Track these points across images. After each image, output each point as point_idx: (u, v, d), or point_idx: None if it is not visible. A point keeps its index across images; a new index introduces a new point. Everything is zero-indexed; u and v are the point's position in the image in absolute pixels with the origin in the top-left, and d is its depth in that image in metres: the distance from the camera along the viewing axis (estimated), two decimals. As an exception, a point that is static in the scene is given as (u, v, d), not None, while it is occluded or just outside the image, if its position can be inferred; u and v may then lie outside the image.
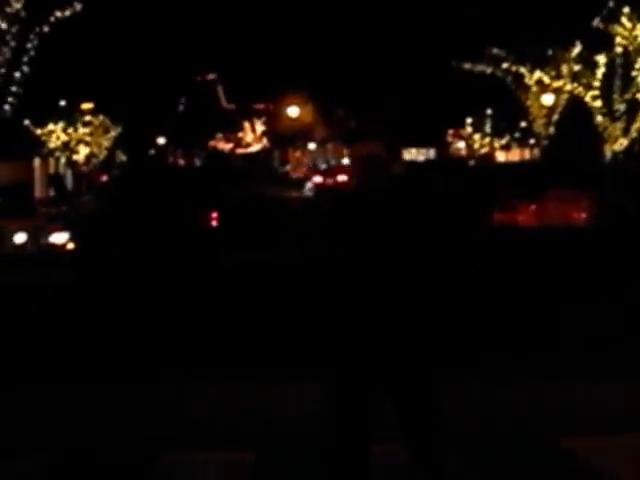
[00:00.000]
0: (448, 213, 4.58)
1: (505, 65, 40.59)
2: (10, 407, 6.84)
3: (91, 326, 10.19)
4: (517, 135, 59.60)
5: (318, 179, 33.45)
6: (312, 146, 48.95)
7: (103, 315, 10.88)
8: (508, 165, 43.22)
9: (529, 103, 42.73)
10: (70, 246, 17.32)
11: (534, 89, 41.20)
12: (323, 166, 39.66)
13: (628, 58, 34.98)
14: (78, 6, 25.11)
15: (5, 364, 8.34)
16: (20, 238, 18.20)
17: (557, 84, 39.59)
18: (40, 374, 8.05)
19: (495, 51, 40.05)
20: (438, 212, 4.22)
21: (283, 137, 44.73)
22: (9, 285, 14.37)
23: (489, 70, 40.99)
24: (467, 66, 40.69)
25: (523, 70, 40.71)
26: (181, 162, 38.20)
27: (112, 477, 5.34)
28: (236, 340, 9.22)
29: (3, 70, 24.24)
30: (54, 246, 17.44)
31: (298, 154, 45.45)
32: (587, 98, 37.49)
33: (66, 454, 5.68)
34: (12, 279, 15.07)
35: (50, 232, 17.84)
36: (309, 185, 32.99)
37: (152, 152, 42.94)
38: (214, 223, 18.99)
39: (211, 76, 45.24)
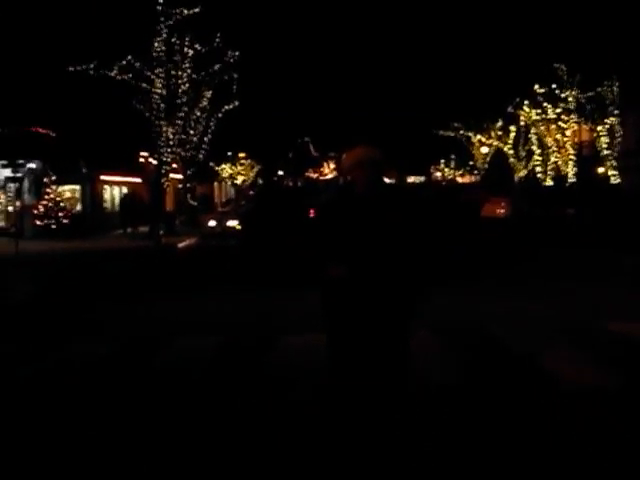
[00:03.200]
0: (432, 212, 6.31)
1: (461, 132, 58.11)
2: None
3: (244, 261, 16.91)
4: (468, 168, 76.76)
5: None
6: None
7: (249, 257, 17.30)
8: (464, 184, 61.98)
9: (474, 152, 60.13)
10: (238, 227, 21.98)
11: (477, 144, 58.59)
12: None
13: (527, 128, 48.02)
14: (237, 102, 33.79)
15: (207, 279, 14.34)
16: (212, 223, 26.77)
17: (489, 142, 56.88)
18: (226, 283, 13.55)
19: (456, 124, 57.60)
20: (425, 209, 4.55)
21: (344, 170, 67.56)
22: (211, 246, 22.38)
23: (452, 134, 58.81)
24: (441, 132, 58.86)
25: (470, 134, 57.93)
26: (290, 184, 60.03)
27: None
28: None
29: (197, 138, 32.80)
30: (230, 227, 23.28)
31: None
32: (505, 149, 54.45)
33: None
34: (210, 243, 23.39)
35: (227, 220, 24.58)
36: None
37: (275, 179, 63.15)
38: (312, 214, 20.44)
39: (306, 139, 67.65)
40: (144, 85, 29.70)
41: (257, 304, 11.02)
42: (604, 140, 38.92)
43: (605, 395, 5.53)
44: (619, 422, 4.95)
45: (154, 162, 32.37)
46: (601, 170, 39.92)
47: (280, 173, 63.26)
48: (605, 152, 39.13)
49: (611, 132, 38.55)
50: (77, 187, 32.55)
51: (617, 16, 33.08)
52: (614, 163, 38.74)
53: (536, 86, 41.18)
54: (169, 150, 30.95)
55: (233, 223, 23.08)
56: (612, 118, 38.38)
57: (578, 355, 6.90)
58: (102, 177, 34.40)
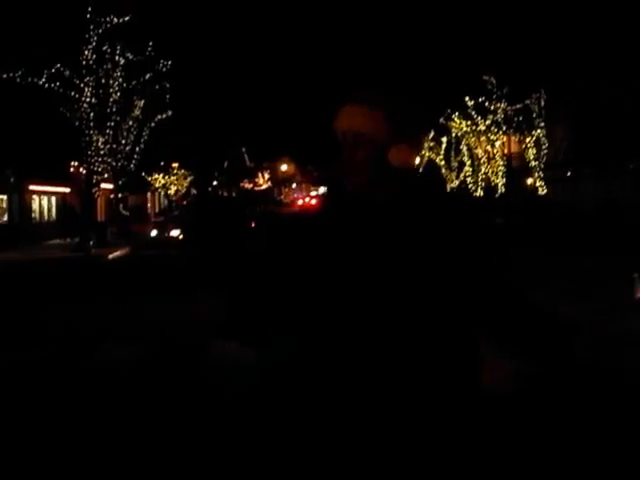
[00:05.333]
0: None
1: None
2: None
3: (184, 268, 16.94)
4: None
5: (300, 202, 57.78)
6: (294, 186, 72.42)
7: (190, 265, 17.50)
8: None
9: None
10: (180, 237, 22.98)
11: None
12: (299, 196, 63.95)
13: (457, 139, 48.78)
14: (170, 112, 33.65)
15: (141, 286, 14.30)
16: (154, 232, 25.85)
17: (421, 152, 61.16)
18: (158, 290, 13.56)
19: None
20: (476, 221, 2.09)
21: (278, 181, 68.62)
22: (152, 256, 21.96)
23: None
24: None
25: None
26: (225, 194, 59.90)
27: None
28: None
29: (129, 148, 32.45)
30: (173, 237, 23.82)
31: (286, 190, 68.53)
32: (437, 160, 55.42)
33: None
34: (146, 253, 23.13)
35: (170, 229, 24.58)
36: (296, 204, 56.74)
37: (209, 189, 62.14)
38: (253, 225, 24.37)
39: (242, 150, 67.59)
40: (73, 94, 29.33)
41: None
42: (532, 152, 39.84)
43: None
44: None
45: (84, 172, 32.04)
46: (529, 181, 40.87)
47: (214, 183, 63.47)
48: (533, 163, 40.03)
49: (538, 144, 39.50)
50: (4, 197, 31.83)
51: (544, 31, 33.95)
52: (541, 174, 39.57)
53: (466, 98, 41.89)
54: (100, 159, 30.72)
55: (176, 233, 23.17)
56: (539, 130, 39.34)
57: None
58: (31, 187, 33.85)
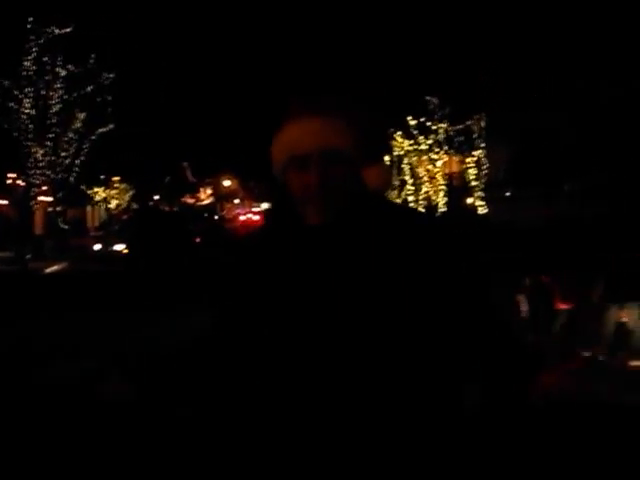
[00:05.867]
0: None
1: None
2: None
3: (130, 285, 16.29)
4: None
5: (242, 218, 57.61)
6: (236, 201, 72.24)
7: (135, 281, 17.07)
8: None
9: None
10: (125, 251, 23.44)
11: None
12: (242, 212, 63.89)
13: (400, 158, 44.69)
14: (111, 125, 33.16)
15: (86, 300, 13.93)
16: (97, 247, 27.25)
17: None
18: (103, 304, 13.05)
19: None
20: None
21: (221, 196, 68.30)
22: (95, 270, 21.32)
23: None
24: None
25: None
26: (167, 209, 59.28)
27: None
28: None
29: (69, 160, 31.52)
30: (117, 252, 24.34)
31: (229, 205, 68.58)
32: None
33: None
34: (95, 267, 22.33)
35: (113, 244, 25.49)
36: (239, 220, 56.59)
37: (151, 203, 61.38)
38: (198, 240, 25.95)
39: (184, 164, 67.53)
40: (12, 105, 28.86)
41: (143, 326, 10.74)
42: (472, 172, 40.44)
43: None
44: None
45: (23, 184, 31.51)
46: (470, 200, 41.46)
47: (156, 197, 62.89)
48: (473, 183, 40.60)
49: (478, 164, 40.15)
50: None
51: (485, 53, 34.62)
52: (482, 194, 40.10)
53: (409, 118, 42.26)
54: (38, 172, 30.06)
55: (120, 247, 23.27)
56: (479, 150, 40.00)
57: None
58: (-35, 198, 33.00)
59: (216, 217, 53.32)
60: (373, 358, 1.59)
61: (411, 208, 1.82)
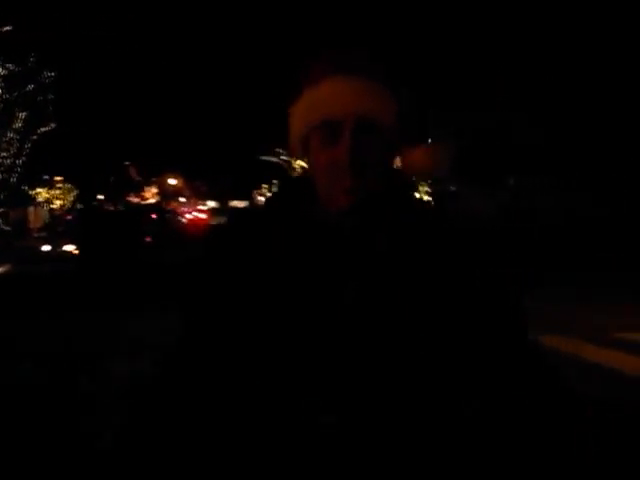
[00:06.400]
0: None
1: (283, 157, 60.58)
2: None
3: (81, 285, 15.63)
4: None
5: (189, 216, 57.04)
6: (182, 199, 72.07)
7: (86, 281, 16.43)
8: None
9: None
10: (75, 252, 22.26)
11: (298, 169, 56.50)
12: (188, 210, 63.78)
13: None
14: (53, 125, 35.61)
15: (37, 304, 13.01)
16: (46, 247, 24.39)
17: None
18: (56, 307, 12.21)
19: (278, 150, 60.02)
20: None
21: (167, 195, 67.67)
22: (43, 271, 20.00)
23: (275, 159, 61.85)
24: (264, 157, 62.02)
25: (291, 160, 57.98)
26: (111, 208, 58.44)
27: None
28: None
29: (10, 161, 34.13)
30: (67, 252, 22.95)
31: (175, 204, 68.36)
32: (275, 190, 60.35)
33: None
34: (43, 268, 20.79)
35: (63, 244, 23.54)
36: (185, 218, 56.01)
37: (95, 203, 60.75)
38: (148, 240, 24.75)
39: (128, 163, 66.73)
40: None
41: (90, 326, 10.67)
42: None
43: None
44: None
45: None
46: (417, 195, 41.85)
47: (100, 197, 62.05)
48: (418, 178, 40.97)
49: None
50: None
51: (436, 50, 35.08)
52: (428, 189, 40.57)
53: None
54: (-21, 173, 29.84)
55: (69, 248, 22.72)
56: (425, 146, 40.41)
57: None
58: None
59: (167, 215, 52.02)
60: (393, 378, 1.27)
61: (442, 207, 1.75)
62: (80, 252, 21.80)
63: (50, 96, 31.92)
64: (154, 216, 37.27)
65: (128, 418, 1.39)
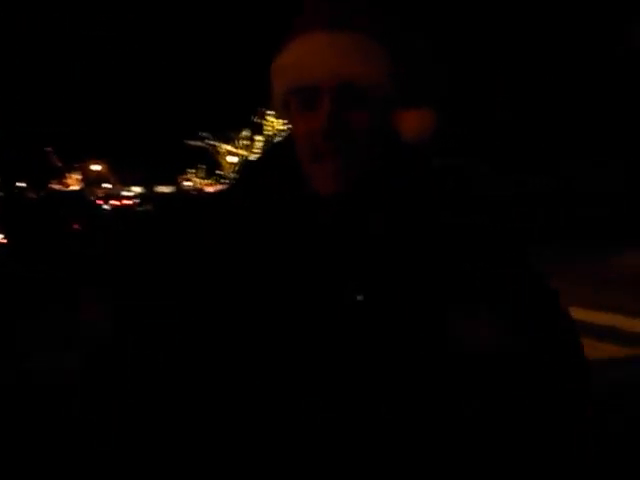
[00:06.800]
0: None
1: (209, 141, 60.03)
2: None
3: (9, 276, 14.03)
4: (216, 178, 77.43)
5: (113, 202, 56.17)
6: (107, 185, 70.65)
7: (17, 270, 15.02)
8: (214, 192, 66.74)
9: (222, 161, 62.41)
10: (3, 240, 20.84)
11: (224, 154, 60.60)
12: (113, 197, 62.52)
13: (271, 137, 47.27)
14: None
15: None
16: None
17: (236, 151, 58.66)
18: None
19: (204, 134, 59.68)
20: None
21: (90, 181, 66.20)
22: None
23: (201, 144, 60.60)
24: (190, 142, 59.72)
25: (218, 144, 60.17)
26: (34, 196, 57.21)
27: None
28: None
29: None
30: None
31: (99, 190, 67.02)
32: (251, 157, 58.85)
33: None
34: None
35: None
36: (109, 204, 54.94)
37: (16, 191, 59.87)
38: (76, 227, 23.66)
39: (48, 149, 64.94)
40: None
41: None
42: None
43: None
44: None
45: None
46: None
47: (22, 185, 60.43)
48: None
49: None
50: None
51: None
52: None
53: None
54: None
55: None
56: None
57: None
58: None
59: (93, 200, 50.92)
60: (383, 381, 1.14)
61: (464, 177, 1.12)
62: (7, 241, 21.43)
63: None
64: (79, 203, 36.63)
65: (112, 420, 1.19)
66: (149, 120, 77.03)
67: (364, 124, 1.13)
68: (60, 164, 65.69)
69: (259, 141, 54.50)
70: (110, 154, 70.06)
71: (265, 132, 50.21)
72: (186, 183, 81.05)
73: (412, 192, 1.18)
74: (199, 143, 60.23)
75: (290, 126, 1.19)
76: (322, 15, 1.14)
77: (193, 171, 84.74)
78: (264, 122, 48.68)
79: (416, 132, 1.20)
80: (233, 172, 58.91)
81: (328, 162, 1.12)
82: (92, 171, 67.51)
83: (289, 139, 1.22)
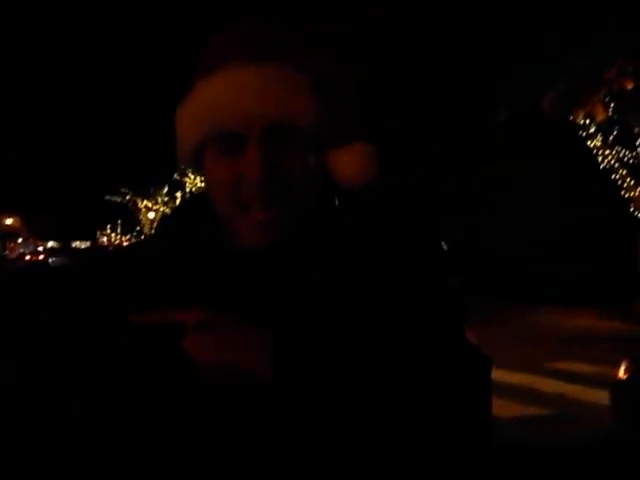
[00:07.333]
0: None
1: (128, 197, 58.88)
2: None
3: None
4: (135, 234, 72.66)
5: (28, 257, 54.61)
6: (20, 240, 68.24)
7: None
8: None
9: (141, 217, 60.94)
10: None
11: (143, 210, 59.61)
12: (27, 251, 60.35)
13: (192, 194, 53.65)
14: None
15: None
16: None
17: (155, 207, 57.92)
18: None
19: (123, 190, 58.34)
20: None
21: (2, 235, 63.91)
22: None
23: (119, 199, 59.78)
24: (108, 197, 59.79)
25: (137, 199, 59.04)
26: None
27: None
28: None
29: None
30: None
31: (12, 245, 64.91)
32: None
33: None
34: None
35: None
36: (23, 260, 53.51)
37: None
38: None
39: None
40: None
41: None
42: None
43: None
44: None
45: None
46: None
47: None
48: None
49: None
50: None
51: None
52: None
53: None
54: None
55: None
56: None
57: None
58: None
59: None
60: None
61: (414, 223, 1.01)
62: None
63: None
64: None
65: None
66: (68, 173, 75.65)
67: (297, 167, 1.03)
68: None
69: (179, 198, 51.98)
70: (24, 207, 68.22)
71: (186, 188, 49.44)
72: (103, 239, 79.59)
73: (341, 243, 1.06)
74: (119, 199, 59.27)
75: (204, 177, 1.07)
76: (243, 47, 0.99)
77: (111, 226, 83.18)
78: (185, 179, 48.29)
79: (354, 171, 1.05)
80: (152, 228, 58.87)
81: (257, 213, 1.02)
82: (5, 225, 65.56)
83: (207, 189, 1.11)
